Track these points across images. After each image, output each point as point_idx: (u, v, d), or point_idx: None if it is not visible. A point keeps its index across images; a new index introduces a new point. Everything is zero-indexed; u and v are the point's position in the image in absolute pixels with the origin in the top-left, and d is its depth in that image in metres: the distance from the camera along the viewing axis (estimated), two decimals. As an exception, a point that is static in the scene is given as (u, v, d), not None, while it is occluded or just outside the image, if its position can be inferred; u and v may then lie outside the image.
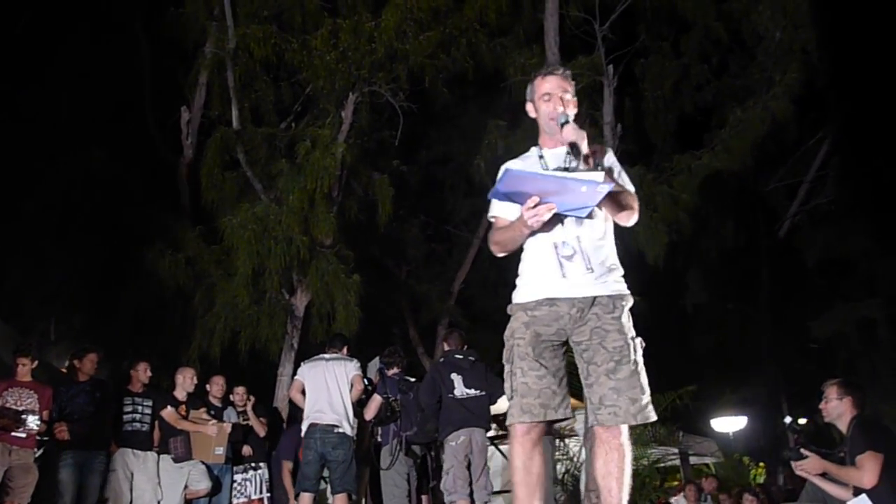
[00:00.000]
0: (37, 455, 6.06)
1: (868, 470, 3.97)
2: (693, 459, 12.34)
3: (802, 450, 4.15)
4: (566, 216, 2.78)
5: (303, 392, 6.58)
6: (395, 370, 6.69)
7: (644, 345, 2.89)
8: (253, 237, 9.42)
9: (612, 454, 2.79)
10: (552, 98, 2.93)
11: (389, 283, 14.03)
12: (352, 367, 6.58)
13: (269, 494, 7.29)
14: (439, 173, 14.72)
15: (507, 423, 2.88)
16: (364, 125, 10.99)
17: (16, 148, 12.24)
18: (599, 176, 2.63)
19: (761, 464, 14.41)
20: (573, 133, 2.76)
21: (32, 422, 5.70)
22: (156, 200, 11.80)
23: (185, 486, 6.70)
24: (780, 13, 10.44)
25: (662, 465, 11.42)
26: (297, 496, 6.33)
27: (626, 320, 2.85)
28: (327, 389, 6.39)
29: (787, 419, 4.35)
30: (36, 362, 6.08)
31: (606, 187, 2.59)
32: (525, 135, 10.82)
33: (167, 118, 13.00)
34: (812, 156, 15.23)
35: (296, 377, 6.75)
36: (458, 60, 10.68)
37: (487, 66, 11.05)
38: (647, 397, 2.78)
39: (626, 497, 2.77)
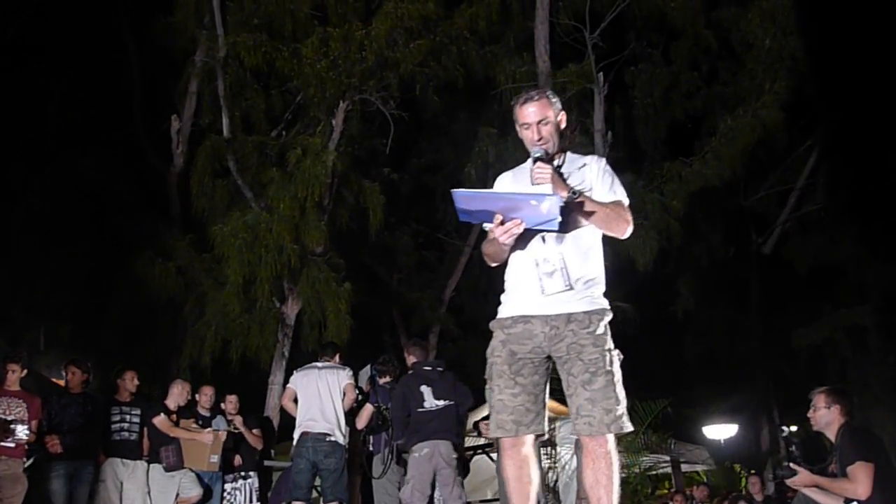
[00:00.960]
0: (26, 465, 6.00)
1: (861, 481, 3.95)
2: (684, 467, 12.34)
3: (792, 465, 4.13)
4: (546, 235, 2.83)
5: (295, 400, 6.55)
6: (388, 379, 6.65)
7: (622, 357, 2.93)
8: (244, 245, 9.39)
9: (598, 463, 2.81)
10: (531, 127, 2.95)
11: (380, 291, 13.99)
12: (344, 376, 6.56)
13: (258, 503, 7.25)
14: (430, 181, 14.70)
15: (488, 436, 2.92)
16: (355, 133, 10.99)
17: (4, 156, 12.17)
18: (548, 188, 2.71)
19: (752, 471, 14.41)
20: (540, 172, 2.81)
21: (21, 431, 5.65)
22: (146, 209, 11.76)
23: (177, 495, 6.65)
24: (770, 21, 10.50)
25: (654, 472, 11.42)
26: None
27: (603, 333, 2.87)
28: (319, 398, 6.37)
29: (784, 430, 4.32)
30: (25, 371, 6.02)
31: (555, 199, 2.63)
32: (515, 143, 10.87)
33: (157, 126, 12.96)
34: (802, 163, 15.31)
35: (288, 385, 6.73)
36: (448, 68, 10.70)
37: (478, 74, 11.07)
38: (622, 408, 2.81)
39: (615, 502, 2.79)
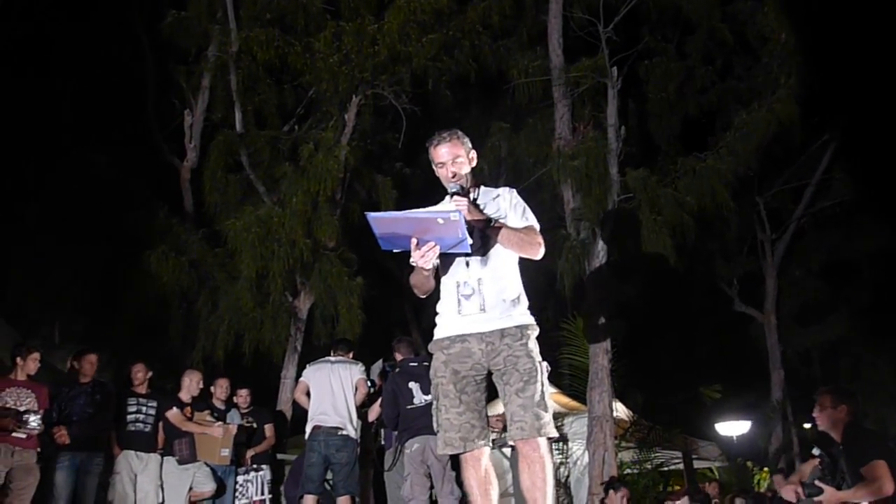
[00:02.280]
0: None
1: (884, 477, 3.92)
2: (696, 463, 12.27)
3: (818, 483, 4.11)
4: (470, 259, 3.11)
5: (307, 394, 6.56)
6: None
7: (549, 368, 3.27)
8: (256, 240, 9.41)
9: (534, 466, 3.03)
10: (444, 166, 3.25)
11: (392, 286, 13.99)
12: (356, 371, 6.57)
13: (270, 496, 7.28)
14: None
15: (437, 452, 3.38)
16: (367, 128, 10.98)
17: (19, 152, 12.26)
18: (450, 206, 3.03)
19: (765, 469, 14.33)
20: (458, 204, 3.06)
21: (34, 421, 5.68)
22: (159, 204, 11.79)
23: (190, 488, 6.68)
24: (786, 14, 10.40)
25: (666, 468, 11.37)
26: (300, 498, 6.31)
27: (533, 346, 3.13)
28: (331, 392, 6.38)
29: (816, 451, 4.32)
30: (38, 364, 6.04)
31: (457, 215, 2.84)
32: (528, 138, 10.83)
33: (170, 122, 13.00)
34: (817, 159, 15.17)
35: (301, 379, 6.74)
36: (461, 63, 10.66)
37: (490, 69, 11.02)
38: (549, 416, 3.06)
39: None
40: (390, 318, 14.80)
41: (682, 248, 10.11)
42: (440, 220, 2.87)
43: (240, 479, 7.20)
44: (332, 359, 6.68)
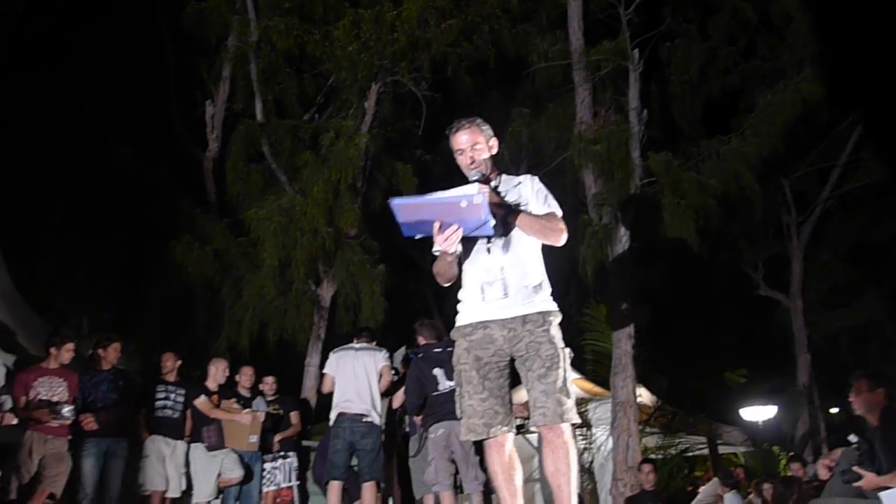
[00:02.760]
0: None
1: None
2: (722, 449, 12.20)
3: (855, 468, 4.07)
4: (492, 246, 3.13)
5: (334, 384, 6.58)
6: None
7: (572, 354, 3.20)
8: (279, 229, 9.47)
9: (558, 453, 3.05)
10: (464, 153, 3.24)
11: (414, 273, 14.01)
12: (380, 358, 6.58)
13: (297, 482, 7.35)
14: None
15: (460, 439, 3.35)
16: (387, 115, 10.98)
17: (44, 146, 12.41)
18: (473, 188, 3.01)
19: (791, 453, 14.22)
20: (479, 188, 3.06)
21: (67, 412, 5.78)
22: (182, 194, 11.90)
23: (219, 475, 6.76)
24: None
25: (690, 454, 11.32)
26: (325, 484, 6.36)
27: (556, 332, 3.13)
28: (356, 379, 6.41)
29: (853, 438, 4.28)
30: (72, 354, 6.13)
31: (480, 198, 2.84)
32: (549, 123, 10.76)
33: (192, 112, 13.09)
34: (844, 139, 14.91)
35: (325, 373, 6.71)
36: (480, 48, 10.62)
37: (510, 54, 10.96)
38: (571, 402, 3.06)
39: (575, 491, 3.04)
40: (413, 305, 14.84)
41: (706, 232, 10.01)
42: (463, 204, 2.87)
43: (267, 465, 7.27)
44: (355, 346, 6.69)
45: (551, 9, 10.96)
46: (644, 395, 9.99)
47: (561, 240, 3.18)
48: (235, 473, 6.83)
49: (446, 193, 3.11)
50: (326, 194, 9.65)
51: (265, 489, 7.24)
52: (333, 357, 6.67)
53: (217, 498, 7.01)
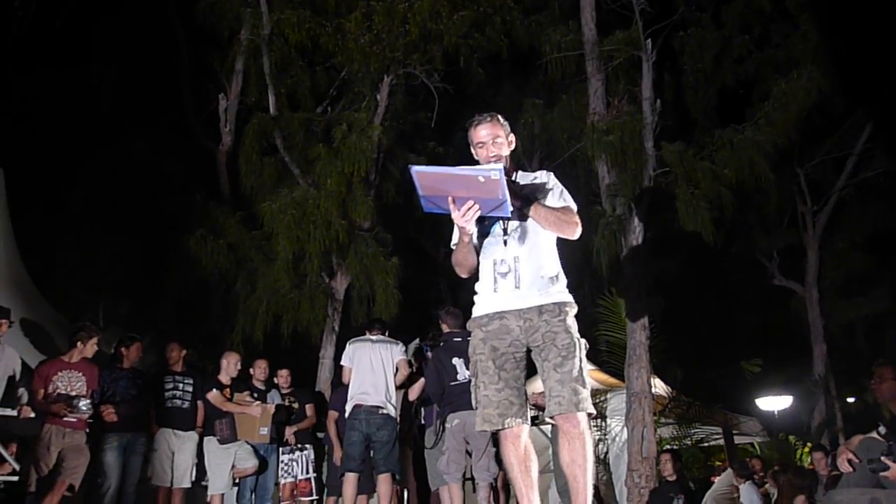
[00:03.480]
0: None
1: None
2: (737, 439, 12.17)
3: (883, 458, 4.05)
4: (508, 238, 3.17)
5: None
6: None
7: (588, 346, 3.24)
8: (292, 222, 9.50)
9: (574, 443, 3.06)
10: (485, 146, 3.27)
11: (428, 265, 14.04)
12: (397, 351, 6.60)
13: (315, 475, 7.39)
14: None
15: (476, 429, 3.27)
16: (399, 107, 10.98)
17: (59, 140, 12.50)
18: (492, 167, 2.96)
19: (808, 444, 14.16)
20: (490, 165, 3.08)
21: (84, 405, 5.84)
22: (196, 187, 11.96)
23: (233, 466, 6.82)
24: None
25: (706, 444, 11.30)
26: (341, 475, 6.40)
27: (571, 322, 3.17)
28: (372, 371, 6.42)
29: (882, 430, 4.25)
30: (96, 349, 6.19)
31: (497, 173, 2.84)
32: (562, 114, 10.73)
33: (205, 106, 13.14)
34: (860, 128, 14.76)
35: (343, 365, 6.74)
36: (492, 39, 10.58)
37: (522, 45, 10.92)
38: (586, 392, 3.08)
39: (591, 481, 3.05)
40: (426, 297, 14.86)
41: (721, 222, 9.96)
42: (481, 178, 2.87)
43: (284, 458, 7.33)
44: (372, 338, 6.70)
45: (563, -1, 10.92)
46: (659, 386, 9.97)
47: (575, 233, 3.21)
48: (249, 464, 6.88)
49: (465, 167, 3.10)
50: (339, 187, 9.67)
51: (283, 481, 7.29)
52: (350, 348, 6.67)
53: (233, 489, 7.07)
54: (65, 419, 5.83)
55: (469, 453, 5.91)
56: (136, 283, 13.20)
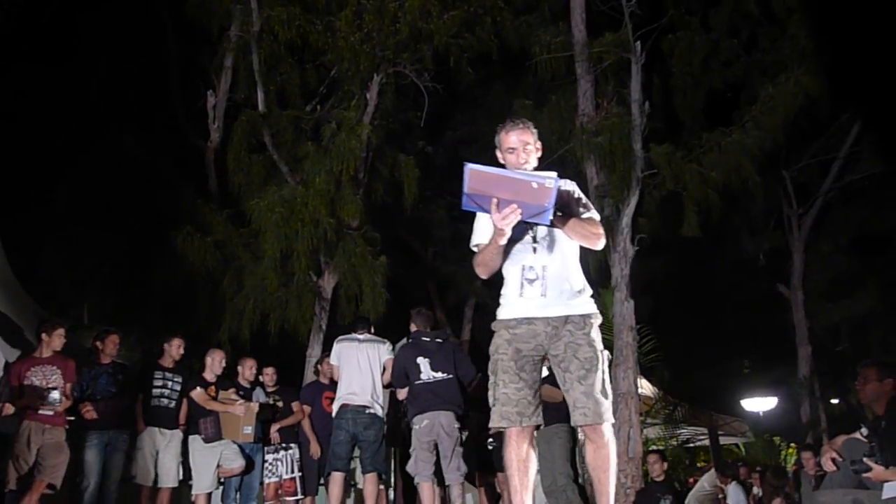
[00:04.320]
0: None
1: None
2: (723, 439, 12.26)
3: (866, 459, 4.08)
4: (537, 246, 3.22)
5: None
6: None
7: (610, 357, 3.45)
8: (280, 220, 9.47)
9: (600, 451, 3.23)
10: (516, 151, 3.30)
11: (416, 265, 14.05)
12: (384, 350, 6.60)
13: (300, 474, 7.37)
14: (465, 153, 14.61)
15: (490, 425, 3.33)
16: (389, 106, 10.96)
17: (47, 136, 12.41)
18: (548, 174, 2.94)
19: (792, 444, 14.28)
20: (545, 172, 3.05)
21: (54, 397, 5.75)
22: (184, 184, 11.90)
23: (218, 465, 6.79)
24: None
25: (692, 444, 11.38)
26: (328, 475, 6.39)
27: (595, 335, 3.26)
28: (359, 371, 6.43)
29: (864, 431, 4.28)
30: (64, 339, 6.11)
31: (552, 182, 2.86)
32: (551, 114, 10.75)
33: (194, 102, 13.08)
34: (846, 132, 14.89)
35: (331, 362, 6.75)
36: (482, 39, 10.58)
37: (513, 45, 10.93)
38: (609, 402, 3.22)
39: (613, 483, 3.23)
40: (414, 297, 14.86)
41: (708, 223, 10.02)
42: (535, 185, 2.88)
43: (269, 457, 7.30)
44: (360, 336, 6.69)
45: (554, 1, 10.94)
46: (645, 387, 10.02)
47: (599, 244, 3.29)
48: (236, 464, 6.85)
49: (522, 172, 3.11)
50: (328, 185, 9.65)
51: (267, 480, 7.27)
52: (337, 347, 6.67)
53: (218, 489, 7.04)
54: (42, 414, 5.76)
55: (435, 453, 5.93)
56: (123, 280, 13.12)
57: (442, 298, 15.08)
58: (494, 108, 13.15)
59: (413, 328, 6.37)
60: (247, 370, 7.33)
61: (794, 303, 15.72)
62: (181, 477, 6.78)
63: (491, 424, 3.33)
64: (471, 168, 2.88)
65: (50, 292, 11.66)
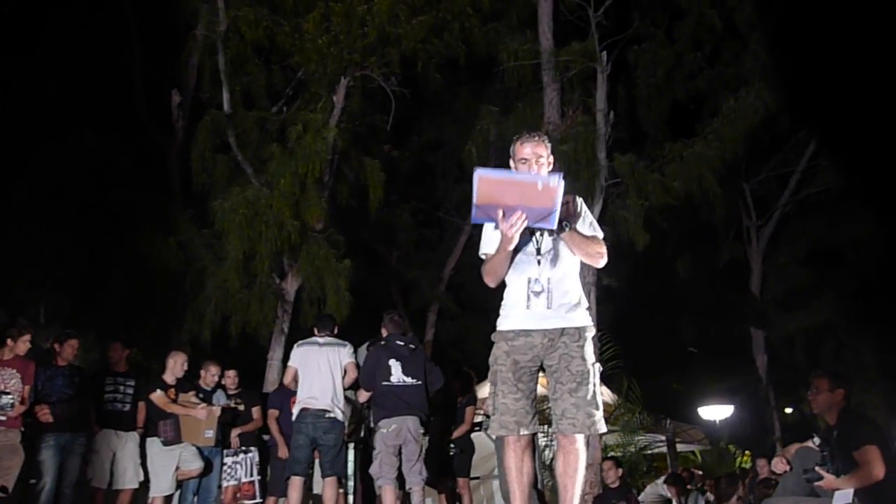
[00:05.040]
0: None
1: (874, 462, 3.94)
2: (680, 447, 12.41)
3: (817, 468, 4.16)
4: (542, 259, 3.29)
5: (296, 379, 6.56)
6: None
7: (602, 369, 3.43)
8: (244, 221, 9.41)
9: (569, 457, 3.30)
10: (528, 163, 3.36)
11: (380, 269, 14.01)
12: (345, 354, 6.55)
13: (259, 477, 7.30)
14: (431, 159, 14.68)
15: (490, 434, 3.50)
16: (356, 110, 10.95)
17: (4, 131, 12.13)
18: (553, 175, 3.03)
19: (747, 452, 14.52)
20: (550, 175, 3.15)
21: (6, 401, 5.63)
22: (146, 183, 11.72)
23: (177, 468, 6.70)
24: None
25: (650, 451, 11.50)
26: (287, 479, 6.34)
27: (589, 348, 3.34)
28: (320, 374, 6.38)
29: (816, 440, 4.35)
30: (29, 345, 6.00)
31: (556, 180, 2.96)
32: (517, 121, 10.83)
33: (157, 100, 12.90)
34: (804, 146, 15.25)
35: (289, 365, 6.68)
36: (450, 45, 10.64)
37: (480, 52, 11.00)
38: (600, 414, 3.29)
39: (579, 491, 3.30)
40: (377, 300, 14.83)
41: (669, 233, 10.18)
42: (540, 185, 2.97)
43: (228, 460, 7.22)
44: (319, 340, 6.65)
45: (522, 8, 11.05)
46: (605, 394, 10.11)
47: (601, 262, 3.38)
48: (195, 466, 6.76)
49: (525, 173, 3.22)
50: (293, 187, 9.60)
51: (225, 484, 7.18)
52: (298, 350, 6.62)
53: (175, 491, 6.94)
54: None
55: (398, 456, 5.95)
56: (81, 279, 12.86)
57: (405, 303, 15.07)
58: (461, 113, 13.22)
59: (384, 332, 6.36)
60: (209, 376, 7.24)
61: (750, 313, 16.02)
62: (141, 478, 6.67)
63: (490, 433, 3.44)
64: (480, 173, 2.96)
65: (6, 290, 11.40)
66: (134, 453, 6.60)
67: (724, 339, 16.90)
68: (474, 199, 3.00)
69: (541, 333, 3.30)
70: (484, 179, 2.97)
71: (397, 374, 5.95)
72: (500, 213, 3.01)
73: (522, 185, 3.02)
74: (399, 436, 5.87)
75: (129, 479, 6.56)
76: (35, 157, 12.37)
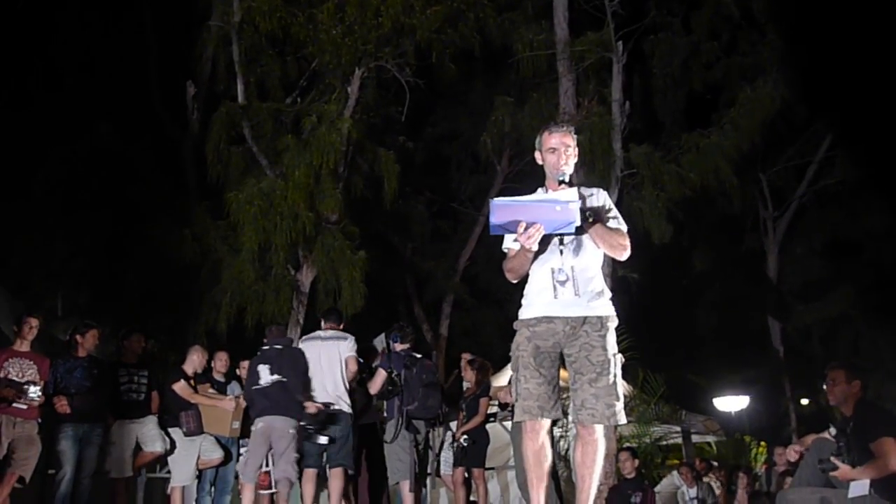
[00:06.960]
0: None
1: (891, 454, 3.93)
2: (695, 438, 12.37)
3: (833, 458, 4.14)
4: (564, 248, 3.33)
5: None
6: (406, 346, 6.64)
7: (624, 360, 3.45)
8: (259, 213, 9.43)
9: (588, 448, 3.33)
10: (556, 152, 3.43)
11: (394, 260, 14.03)
12: (345, 347, 6.56)
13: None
14: (445, 150, 14.66)
15: (514, 420, 3.48)
16: (370, 101, 10.94)
17: (22, 126, 12.22)
18: (567, 195, 3.18)
19: (762, 443, 14.45)
20: (565, 193, 3.26)
21: (34, 392, 5.70)
22: (162, 176, 11.78)
23: (198, 457, 6.75)
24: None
25: (664, 442, 11.47)
26: (300, 473, 6.38)
27: (611, 338, 3.37)
28: (321, 370, 6.43)
29: (832, 431, 4.34)
30: (35, 330, 6.05)
31: (576, 203, 3.10)
32: (532, 112, 10.79)
33: (172, 93, 12.95)
34: (821, 136, 15.10)
35: None
36: (465, 35, 10.58)
37: (495, 42, 10.95)
38: (620, 405, 3.31)
39: (596, 481, 3.35)
40: (392, 291, 14.85)
41: (685, 224, 10.12)
42: (558, 208, 3.10)
43: (244, 450, 7.26)
44: (322, 334, 6.69)
45: (537, -1, 10.97)
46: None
47: (624, 255, 3.41)
48: (215, 455, 6.81)
49: (543, 198, 3.30)
50: (307, 179, 9.61)
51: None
52: (301, 346, 6.69)
53: (193, 482, 6.99)
54: (15, 407, 5.69)
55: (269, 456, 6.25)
56: (98, 271, 12.97)
57: (420, 294, 15.08)
58: (476, 104, 13.18)
59: (264, 341, 6.64)
60: (219, 363, 7.28)
61: (767, 304, 15.93)
62: (167, 446, 6.71)
63: (515, 419, 3.45)
64: (496, 204, 3.11)
65: (24, 283, 11.52)
66: (154, 426, 6.64)
67: (740, 330, 16.82)
68: (492, 220, 3.13)
69: (563, 321, 3.31)
70: (500, 208, 3.12)
71: (265, 376, 6.19)
72: (523, 226, 3.10)
73: (539, 208, 3.13)
74: (265, 434, 6.11)
75: (158, 447, 6.62)
76: (52, 151, 12.47)
